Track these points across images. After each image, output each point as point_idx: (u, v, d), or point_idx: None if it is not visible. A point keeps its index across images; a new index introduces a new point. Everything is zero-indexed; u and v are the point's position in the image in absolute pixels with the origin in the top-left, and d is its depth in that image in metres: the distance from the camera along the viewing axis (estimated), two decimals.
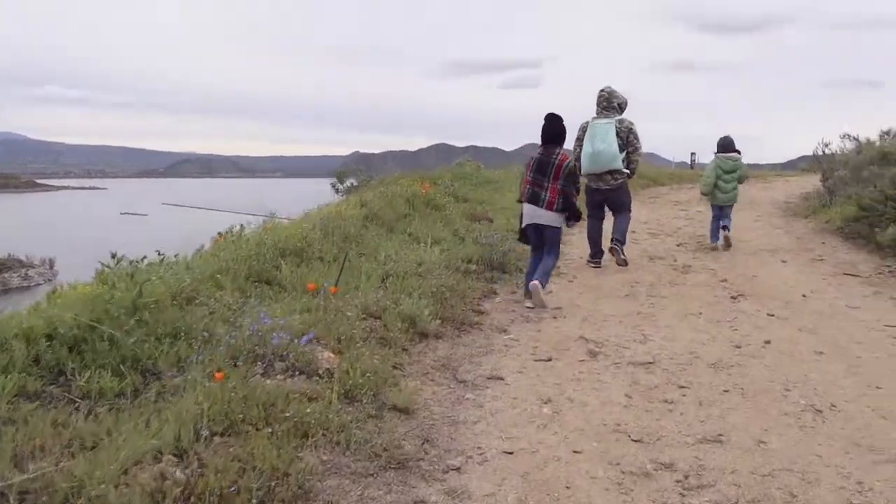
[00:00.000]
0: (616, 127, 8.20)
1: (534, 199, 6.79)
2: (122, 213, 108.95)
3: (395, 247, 7.80)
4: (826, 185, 14.69)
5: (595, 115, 8.42)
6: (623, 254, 8.52)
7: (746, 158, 10.66)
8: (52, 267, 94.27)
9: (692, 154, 37.51)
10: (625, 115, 8.43)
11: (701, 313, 6.39)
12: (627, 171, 8.39)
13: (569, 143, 7.58)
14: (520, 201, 7.12)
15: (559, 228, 6.85)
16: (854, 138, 16.53)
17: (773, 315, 6.36)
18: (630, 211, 8.71)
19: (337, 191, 17.12)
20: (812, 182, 20.83)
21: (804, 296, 7.19)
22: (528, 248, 7.28)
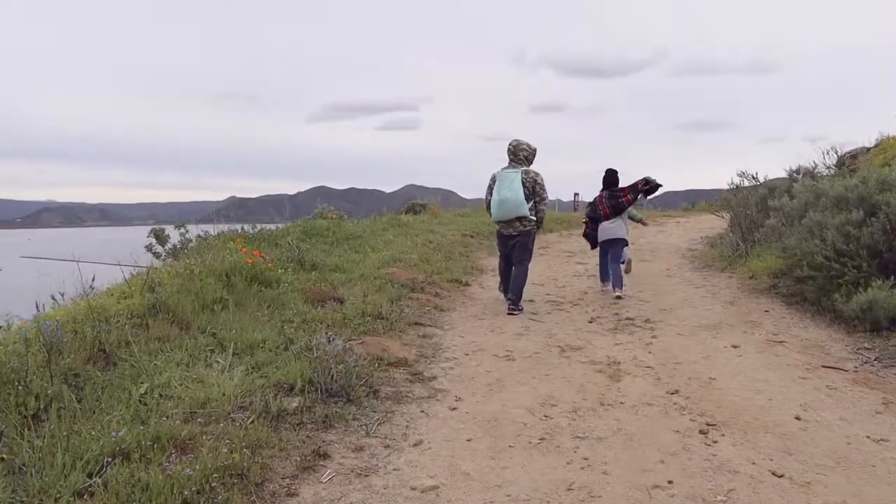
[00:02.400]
0: (522, 177, 8.54)
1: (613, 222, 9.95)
2: None
3: (175, 366, 4.87)
4: (738, 229, 12.87)
5: (504, 167, 8.78)
6: (518, 308, 8.72)
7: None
8: None
9: (575, 195, 36.10)
10: (532, 167, 8.76)
11: (671, 482, 3.80)
12: (535, 219, 8.67)
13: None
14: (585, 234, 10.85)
15: (625, 240, 10.00)
16: (753, 177, 14.96)
17: (781, 476, 3.87)
18: (528, 262, 8.91)
19: (156, 255, 13.71)
20: (708, 223, 19.40)
21: (798, 418, 4.79)
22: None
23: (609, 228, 9.94)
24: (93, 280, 7.19)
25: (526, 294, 9.03)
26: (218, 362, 5.02)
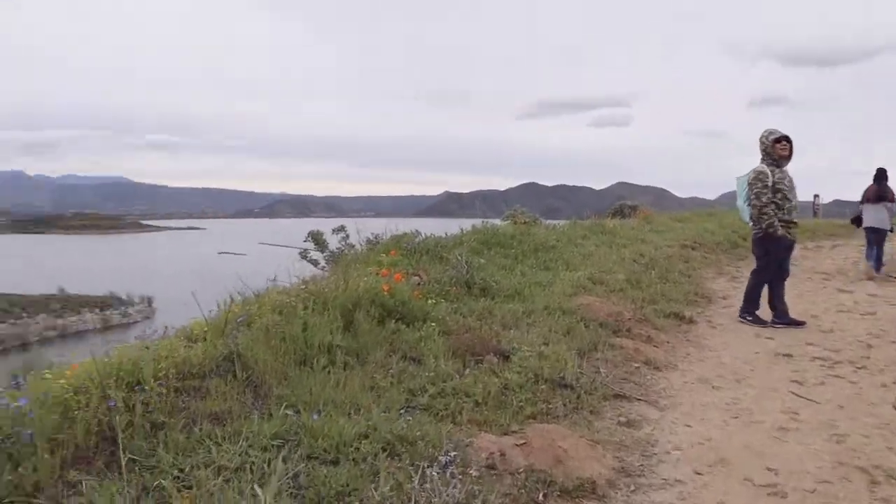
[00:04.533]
0: (748, 178, 7.79)
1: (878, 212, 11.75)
2: (219, 253, 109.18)
3: (206, 479, 2.91)
4: None
5: None
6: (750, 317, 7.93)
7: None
8: (150, 304, 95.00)
9: (815, 196, 30.87)
10: (763, 162, 7.73)
11: None
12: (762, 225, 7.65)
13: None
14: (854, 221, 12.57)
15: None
16: None
17: None
18: (758, 274, 8.02)
19: (313, 262, 12.10)
20: None
21: None
22: None
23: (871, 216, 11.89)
24: (273, 279, 5.70)
25: (782, 341, 6.32)
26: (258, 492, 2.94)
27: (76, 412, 3.27)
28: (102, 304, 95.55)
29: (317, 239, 11.77)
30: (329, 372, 4.27)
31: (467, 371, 4.59)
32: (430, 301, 6.04)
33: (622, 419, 4.41)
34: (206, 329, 4.50)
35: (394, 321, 5.37)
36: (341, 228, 11.31)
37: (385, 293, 5.55)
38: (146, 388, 3.58)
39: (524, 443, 3.70)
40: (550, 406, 4.31)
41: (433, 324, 5.43)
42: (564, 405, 4.38)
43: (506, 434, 3.84)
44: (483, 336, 5.19)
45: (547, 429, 3.94)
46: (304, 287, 5.45)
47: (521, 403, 4.24)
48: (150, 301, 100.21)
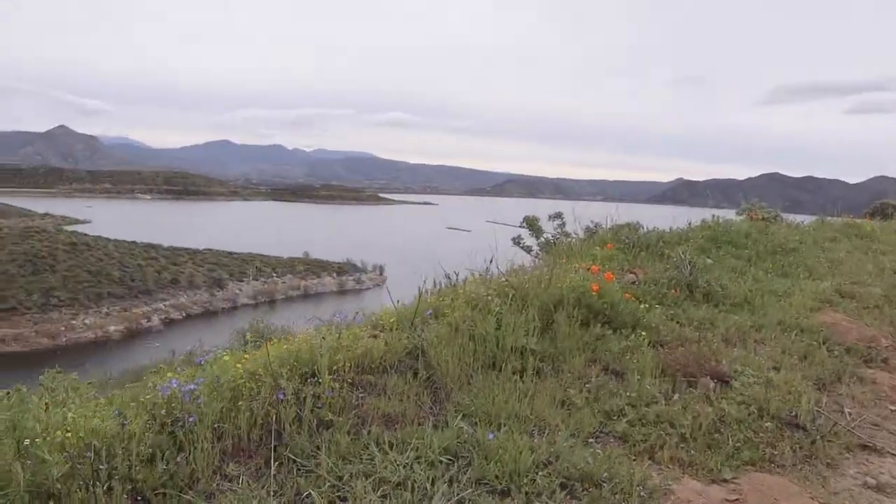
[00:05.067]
0: None
1: None
2: (448, 228, 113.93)
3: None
4: None
5: None
6: None
7: None
8: (381, 273, 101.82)
9: None
10: None
11: None
12: None
13: None
14: None
15: None
16: None
17: None
18: None
19: (526, 249, 11.56)
20: None
21: None
22: None
23: None
24: (490, 262, 5.61)
25: None
26: None
27: (245, 401, 3.17)
28: (340, 269, 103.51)
29: (532, 225, 11.34)
30: (518, 379, 3.88)
31: (676, 395, 3.96)
32: (643, 305, 5.41)
33: (869, 480, 3.54)
34: (392, 319, 4.29)
35: (599, 325, 4.85)
36: (558, 215, 10.79)
37: (592, 293, 5.03)
38: (320, 380, 3.42)
39: (737, 499, 3.05)
40: (775, 451, 3.56)
41: (643, 332, 4.82)
42: (794, 452, 3.61)
43: (714, 482, 3.19)
44: (700, 353, 4.50)
45: (768, 482, 3.23)
46: (504, 280, 5.09)
47: (737, 444, 3.54)
48: (381, 270, 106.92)
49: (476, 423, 3.34)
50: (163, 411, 3.02)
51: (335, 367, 3.57)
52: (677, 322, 5.45)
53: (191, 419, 2.94)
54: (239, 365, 3.42)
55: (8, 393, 2.91)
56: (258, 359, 3.57)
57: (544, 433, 3.35)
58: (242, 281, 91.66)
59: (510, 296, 4.67)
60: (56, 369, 3.60)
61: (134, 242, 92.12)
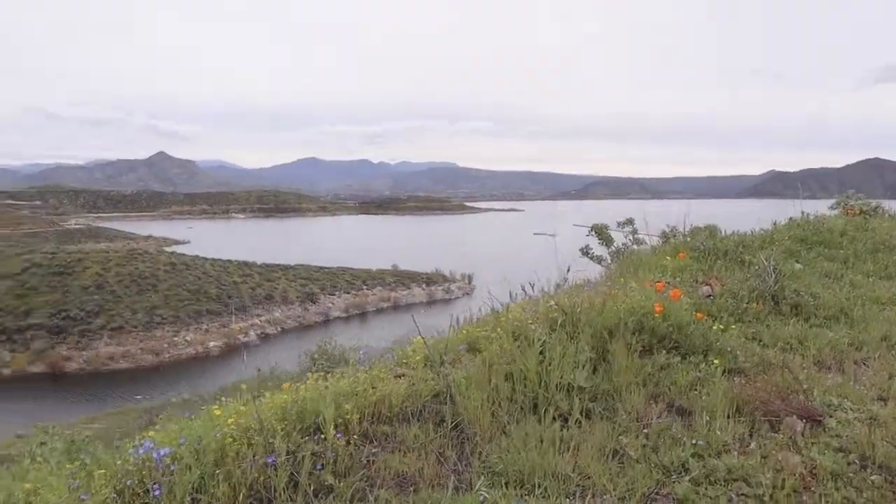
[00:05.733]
0: None
1: None
2: (534, 234, 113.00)
3: None
4: None
5: None
6: None
7: None
8: (470, 282, 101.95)
9: None
10: None
11: None
12: None
13: None
14: None
15: None
16: None
17: None
18: None
19: (596, 259, 10.70)
20: None
21: None
22: None
23: None
24: (567, 271, 5.13)
25: None
26: None
27: (230, 465, 2.73)
28: (428, 279, 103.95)
29: (600, 233, 10.53)
30: (563, 425, 3.30)
31: (753, 442, 3.28)
32: (717, 325, 4.71)
33: None
34: (418, 357, 3.79)
35: (664, 352, 4.20)
36: (629, 222, 10.02)
37: (656, 314, 4.38)
38: (325, 435, 2.95)
39: None
40: None
41: (716, 359, 4.13)
42: None
43: None
44: (784, 383, 3.78)
45: None
46: (553, 303, 4.50)
47: None
48: (469, 279, 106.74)
49: (506, 485, 2.80)
50: (133, 481, 2.62)
51: (344, 418, 3.09)
52: (759, 342, 4.72)
53: (157, 492, 2.52)
54: (231, 420, 2.99)
55: None
56: (264, 408, 3.13)
57: (587, 496, 2.77)
58: (334, 294, 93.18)
59: (559, 322, 4.08)
60: (50, 424, 3.26)
61: (229, 261, 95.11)
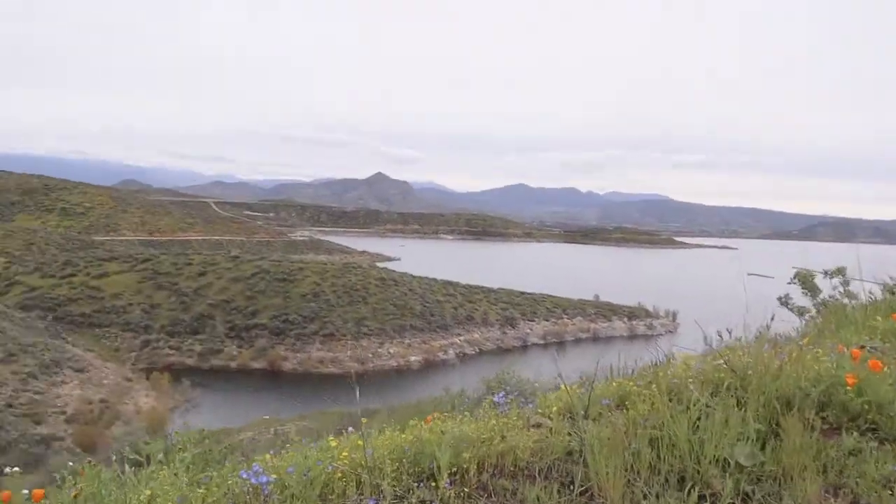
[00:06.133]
0: None
1: None
2: (748, 274, 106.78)
3: None
4: None
5: None
6: None
7: None
8: (674, 319, 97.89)
9: None
10: None
11: None
12: None
13: None
14: None
15: None
16: None
17: None
18: None
19: (801, 313, 9.39)
20: None
21: None
22: None
23: None
24: (771, 320, 4.79)
25: None
26: None
27: (334, 501, 2.64)
28: (631, 313, 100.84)
29: (805, 281, 9.37)
30: None
31: None
32: None
33: None
34: (554, 409, 3.49)
35: (855, 434, 3.56)
36: (839, 271, 8.82)
37: (847, 387, 3.74)
38: (435, 484, 2.78)
39: None
40: None
41: None
42: None
43: None
44: None
45: None
46: (722, 360, 4.00)
47: None
48: (674, 316, 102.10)
49: None
50: None
51: (461, 467, 2.90)
52: None
53: None
54: (345, 453, 2.91)
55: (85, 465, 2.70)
56: (382, 445, 3.03)
57: None
58: (533, 320, 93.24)
59: (725, 384, 3.60)
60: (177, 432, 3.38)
61: (434, 279, 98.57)
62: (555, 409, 3.52)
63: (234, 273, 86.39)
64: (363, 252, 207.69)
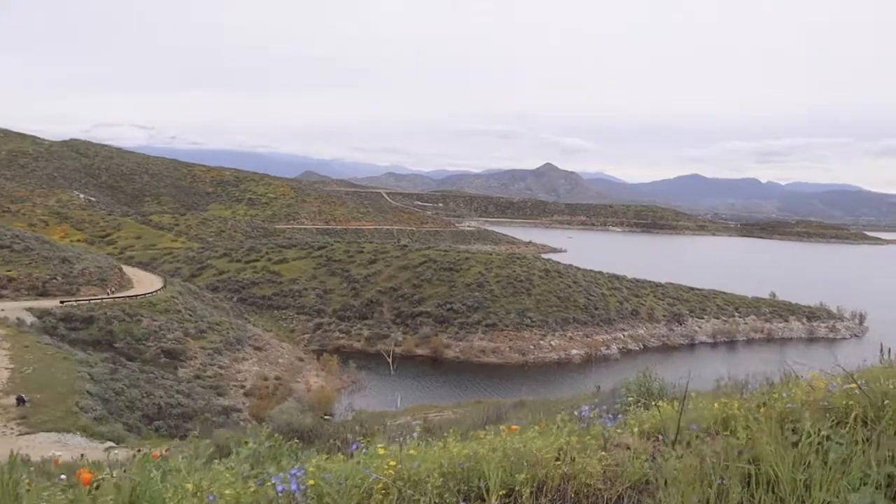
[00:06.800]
0: None
1: None
2: None
3: None
4: None
5: None
6: None
7: None
8: (861, 322, 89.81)
9: None
10: None
11: None
12: None
13: None
14: None
15: None
16: None
17: None
18: None
19: None
20: None
21: None
22: None
23: None
24: None
25: None
26: None
27: None
28: (811, 314, 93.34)
29: None
30: None
31: None
32: None
33: None
34: (636, 430, 3.10)
35: None
36: None
37: None
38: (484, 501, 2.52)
39: None
40: None
41: None
42: None
43: None
44: None
45: None
46: (856, 385, 3.41)
47: None
48: (861, 318, 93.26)
49: None
50: None
51: (514, 490, 2.62)
52: None
53: None
54: (392, 462, 2.72)
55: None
56: (435, 458, 2.81)
57: None
58: (702, 318, 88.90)
59: (853, 414, 3.05)
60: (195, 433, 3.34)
61: (600, 272, 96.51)
62: (636, 429, 3.13)
63: (402, 261, 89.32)
64: (529, 243, 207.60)
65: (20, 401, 33.80)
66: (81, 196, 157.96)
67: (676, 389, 10.40)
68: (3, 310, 49.40)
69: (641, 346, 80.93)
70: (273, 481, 2.59)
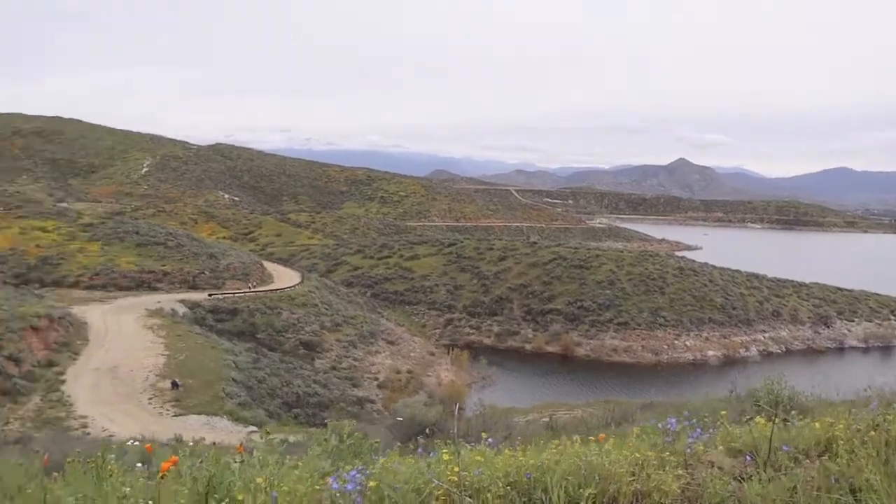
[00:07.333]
0: None
1: None
2: None
3: None
4: None
5: None
6: None
7: None
8: None
9: None
10: None
11: None
12: None
13: None
14: None
15: None
16: None
17: None
18: None
19: None
20: None
21: None
22: None
23: None
24: None
25: None
26: None
27: None
28: None
29: None
30: None
31: None
32: None
33: None
34: (721, 448, 2.88)
35: None
36: None
37: None
38: None
39: None
40: None
41: None
42: None
43: None
44: None
45: None
46: None
47: None
48: None
49: None
50: None
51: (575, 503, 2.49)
52: None
53: None
54: (456, 468, 2.67)
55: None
56: (504, 465, 2.74)
57: None
58: (852, 321, 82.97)
59: None
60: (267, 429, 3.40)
61: (738, 271, 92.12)
62: (721, 447, 2.91)
63: (532, 258, 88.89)
64: (662, 240, 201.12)
65: (174, 385, 36.73)
66: (226, 196, 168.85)
67: (810, 398, 9.73)
68: (159, 301, 53.49)
69: (784, 349, 76.47)
70: (329, 480, 2.62)
